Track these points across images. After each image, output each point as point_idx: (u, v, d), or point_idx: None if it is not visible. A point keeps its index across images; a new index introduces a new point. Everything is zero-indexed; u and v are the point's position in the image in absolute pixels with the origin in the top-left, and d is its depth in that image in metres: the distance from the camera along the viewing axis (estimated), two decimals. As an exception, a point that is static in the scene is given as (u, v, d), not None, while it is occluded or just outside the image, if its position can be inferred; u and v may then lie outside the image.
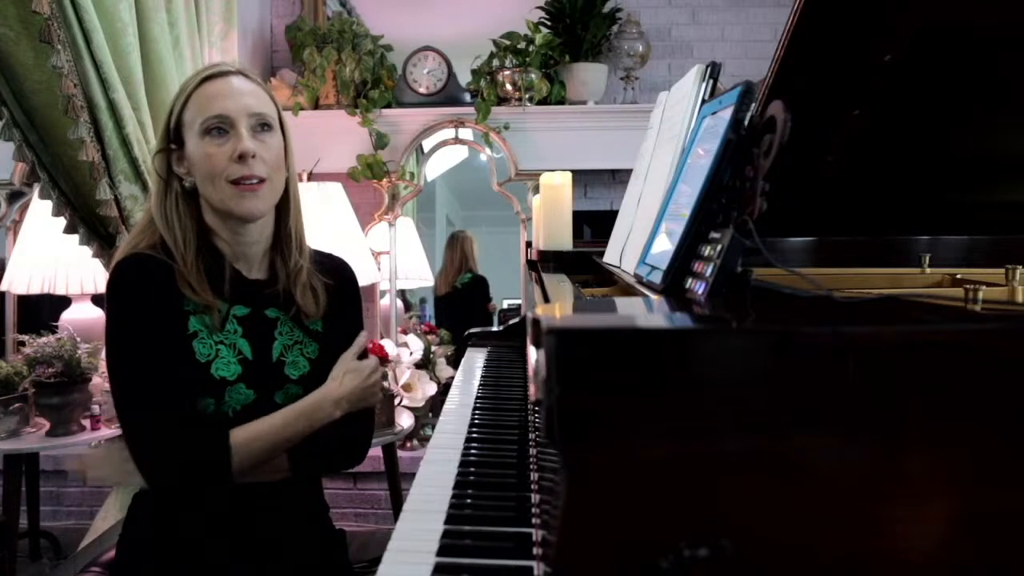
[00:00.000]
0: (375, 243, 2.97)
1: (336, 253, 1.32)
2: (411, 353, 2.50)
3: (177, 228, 1.10)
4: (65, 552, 2.51)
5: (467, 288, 3.85)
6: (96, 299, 2.38)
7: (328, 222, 2.27)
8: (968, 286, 0.73)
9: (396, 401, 2.28)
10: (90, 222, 1.95)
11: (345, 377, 1.14)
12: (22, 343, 2.14)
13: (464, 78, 3.03)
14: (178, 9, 2.17)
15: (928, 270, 1.14)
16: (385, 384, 1.20)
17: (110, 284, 1.08)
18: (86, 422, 2.11)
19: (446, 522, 0.76)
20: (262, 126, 1.10)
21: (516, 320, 1.76)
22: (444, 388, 2.67)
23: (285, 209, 1.18)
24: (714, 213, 0.71)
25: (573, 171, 1.79)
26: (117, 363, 1.05)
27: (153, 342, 1.05)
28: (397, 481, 2.27)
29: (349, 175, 2.91)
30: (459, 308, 3.81)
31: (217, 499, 1.10)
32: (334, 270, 1.25)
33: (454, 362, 2.81)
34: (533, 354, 0.54)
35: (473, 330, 1.78)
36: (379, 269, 2.90)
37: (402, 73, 3.00)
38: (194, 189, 1.12)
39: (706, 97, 0.97)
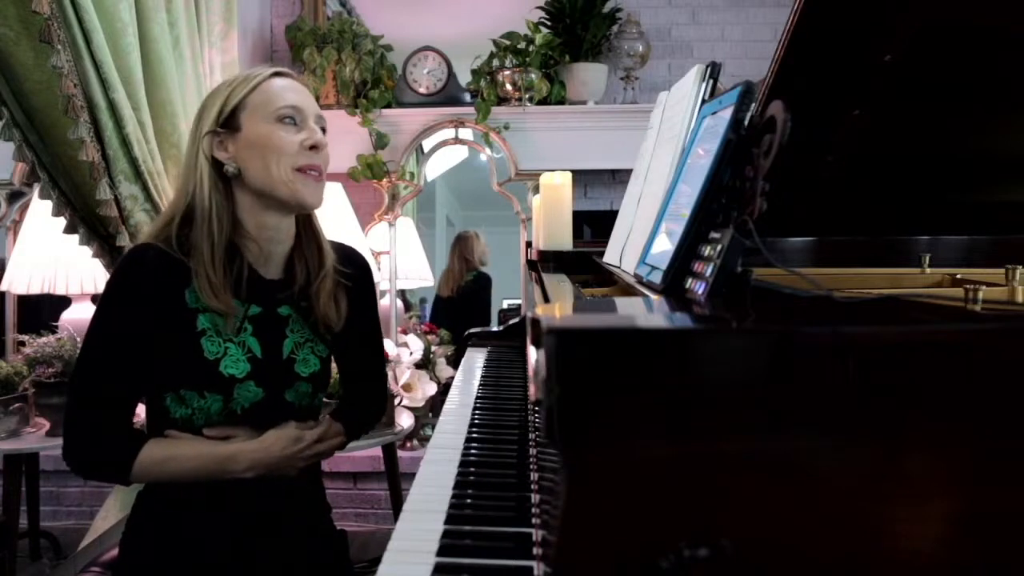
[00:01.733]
0: (375, 243, 2.97)
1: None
2: (411, 353, 2.50)
3: (213, 212, 1.09)
4: (65, 552, 2.51)
5: (469, 286, 3.84)
6: (96, 299, 2.38)
7: (328, 222, 2.26)
8: (968, 286, 0.73)
9: (396, 401, 2.28)
10: (90, 222, 1.95)
11: (271, 441, 1.11)
12: (22, 343, 2.14)
13: (464, 78, 3.03)
14: (178, 9, 2.17)
15: (928, 270, 1.14)
16: (321, 447, 1.19)
17: (115, 268, 1.10)
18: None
19: (446, 522, 0.76)
20: (323, 128, 1.17)
21: (516, 320, 1.75)
22: (444, 388, 2.67)
23: (309, 218, 1.21)
24: (714, 213, 0.71)
25: (573, 171, 1.79)
26: (85, 344, 1.08)
27: (123, 339, 1.06)
28: (397, 481, 2.27)
29: (349, 175, 2.91)
30: (460, 309, 3.79)
31: (220, 500, 1.11)
32: (351, 268, 1.25)
33: (454, 362, 2.81)
34: (533, 354, 0.54)
35: (473, 330, 1.78)
36: (379, 269, 2.90)
37: (402, 73, 3.00)
38: (230, 179, 1.11)
39: (706, 97, 0.97)
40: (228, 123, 1.11)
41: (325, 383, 1.22)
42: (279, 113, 1.10)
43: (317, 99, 2.92)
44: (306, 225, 1.20)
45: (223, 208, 1.10)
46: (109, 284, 1.09)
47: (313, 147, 1.11)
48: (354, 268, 1.26)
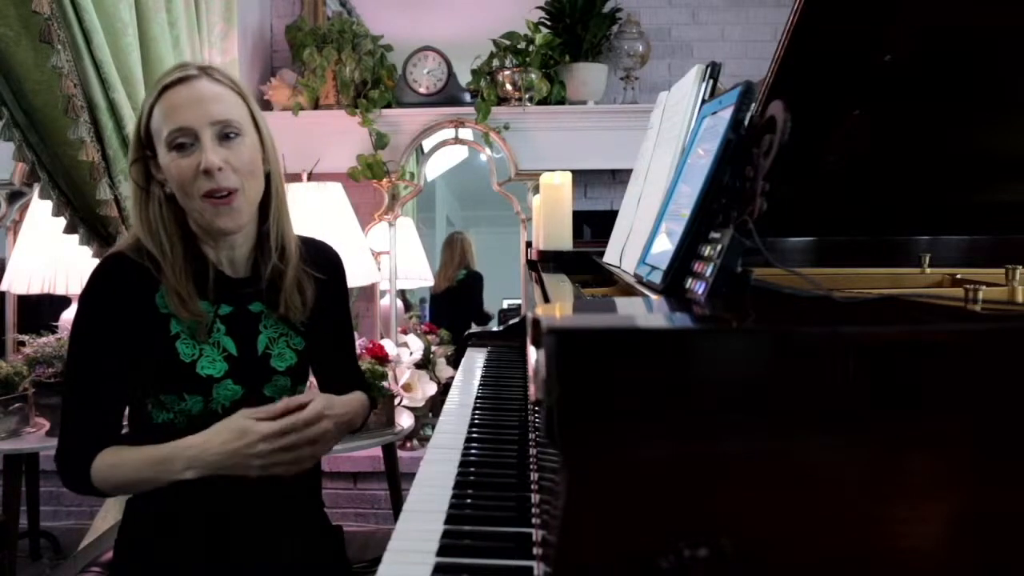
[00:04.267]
0: (375, 243, 2.97)
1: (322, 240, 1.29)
2: (411, 353, 2.50)
3: (163, 236, 1.08)
4: (65, 552, 2.51)
5: (463, 284, 3.88)
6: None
7: (328, 222, 2.27)
8: (968, 286, 0.73)
9: (396, 401, 2.28)
10: (90, 222, 1.95)
11: (211, 436, 1.02)
12: (22, 343, 2.14)
13: (464, 78, 3.03)
14: (178, 9, 2.17)
15: (928, 270, 1.14)
16: (319, 441, 1.08)
17: (87, 280, 1.10)
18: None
19: (446, 522, 0.76)
20: (227, 134, 1.06)
21: (516, 320, 1.75)
22: (444, 388, 2.67)
23: (267, 210, 1.15)
24: (714, 213, 0.71)
25: (573, 171, 1.79)
26: (67, 358, 1.10)
27: (98, 350, 1.06)
28: (397, 481, 2.27)
29: (349, 175, 2.91)
30: (456, 305, 3.84)
31: (214, 499, 1.11)
32: (322, 262, 1.23)
33: (454, 362, 2.80)
34: (533, 354, 0.54)
35: (473, 330, 1.78)
36: (379, 269, 2.90)
37: (402, 73, 3.00)
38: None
39: (706, 97, 0.97)
40: (150, 147, 1.08)
41: (303, 376, 1.22)
42: (168, 141, 1.04)
43: (317, 99, 2.96)
44: (264, 221, 1.15)
45: (172, 224, 1.09)
46: (82, 296, 1.09)
47: (207, 172, 1.03)
48: (324, 262, 1.23)
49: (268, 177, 1.14)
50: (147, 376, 1.08)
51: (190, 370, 1.08)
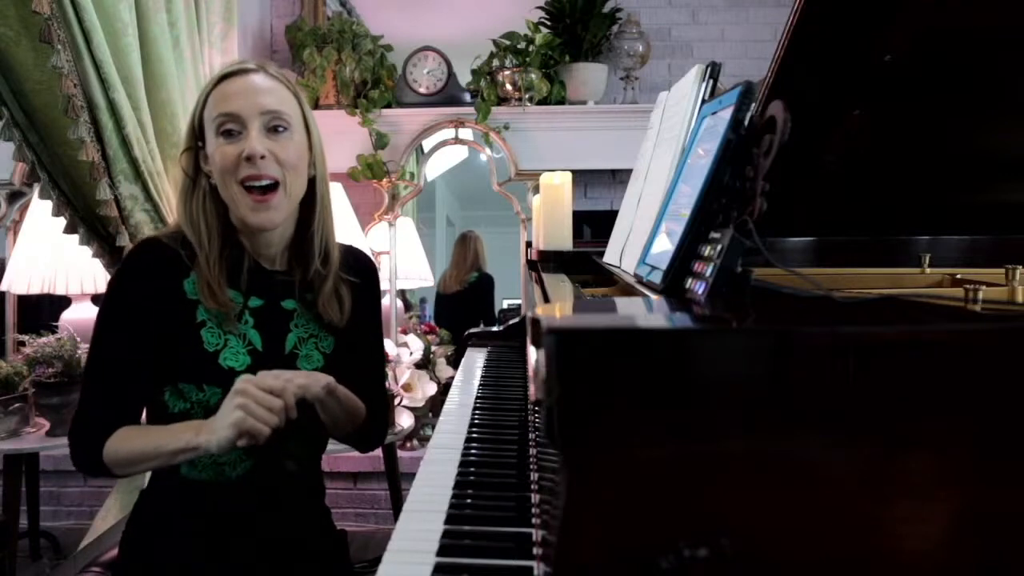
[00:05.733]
0: (375, 243, 2.97)
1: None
2: (411, 353, 2.50)
3: (203, 227, 1.09)
4: (65, 552, 2.51)
5: (474, 287, 3.86)
6: (96, 299, 2.38)
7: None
8: (968, 286, 0.73)
9: (396, 401, 2.29)
10: (90, 222, 1.95)
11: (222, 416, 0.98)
12: (22, 343, 2.14)
13: (464, 78, 3.04)
14: (178, 9, 2.17)
15: (928, 270, 1.14)
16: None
17: (119, 264, 1.11)
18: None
19: (446, 522, 0.76)
20: (277, 126, 1.08)
21: (516, 320, 1.76)
22: (444, 388, 2.67)
23: (310, 212, 1.15)
24: (714, 213, 0.71)
25: (573, 171, 1.79)
26: (91, 343, 1.09)
27: (119, 333, 1.06)
28: (397, 481, 2.28)
29: (349, 175, 2.91)
30: (464, 307, 3.82)
31: (219, 501, 1.10)
32: (358, 269, 1.23)
33: (454, 362, 2.81)
34: (533, 354, 0.54)
35: (473, 330, 1.78)
36: (379, 269, 2.90)
37: (402, 73, 3.00)
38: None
39: (706, 97, 0.97)
40: (202, 137, 1.10)
41: None
42: (216, 125, 1.06)
43: (316, 99, 2.95)
44: (307, 227, 1.15)
45: (213, 216, 1.10)
46: (112, 278, 1.10)
47: (249, 159, 1.04)
48: (360, 269, 1.24)
49: (313, 183, 1.15)
50: (169, 362, 1.07)
51: (212, 360, 1.08)
